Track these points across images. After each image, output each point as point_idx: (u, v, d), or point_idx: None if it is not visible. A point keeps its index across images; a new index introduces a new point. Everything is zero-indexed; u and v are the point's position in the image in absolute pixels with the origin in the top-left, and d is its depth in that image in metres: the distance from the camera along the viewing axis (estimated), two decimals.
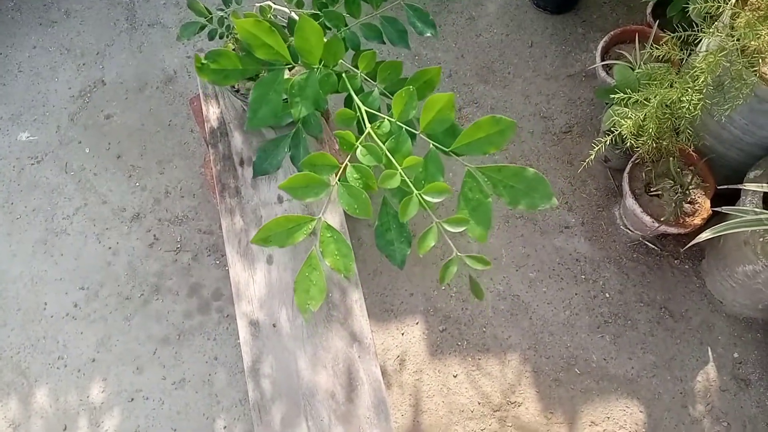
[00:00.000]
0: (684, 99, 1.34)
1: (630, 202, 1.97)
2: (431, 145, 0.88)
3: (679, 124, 1.46)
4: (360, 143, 0.84)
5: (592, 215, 2.21)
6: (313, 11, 1.26)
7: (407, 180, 0.82)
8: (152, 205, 2.23)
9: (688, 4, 2.13)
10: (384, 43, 1.20)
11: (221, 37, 1.47)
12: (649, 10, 2.29)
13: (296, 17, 1.24)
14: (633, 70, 2.00)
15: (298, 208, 1.81)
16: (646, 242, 2.17)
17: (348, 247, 0.79)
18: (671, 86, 1.41)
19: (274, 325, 1.69)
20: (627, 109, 1.49)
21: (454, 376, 2.02)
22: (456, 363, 2.04)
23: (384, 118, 0.89)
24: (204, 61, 0.89)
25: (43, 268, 2.13)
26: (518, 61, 2.47)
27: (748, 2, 1.82)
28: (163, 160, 2.29)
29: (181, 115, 2.35)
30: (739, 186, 1.78)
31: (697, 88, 1.33)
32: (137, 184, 2.26)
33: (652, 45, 2.12)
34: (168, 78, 2.41)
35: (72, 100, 2.38)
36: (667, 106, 1.41)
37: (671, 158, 1.79)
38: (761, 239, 1.74)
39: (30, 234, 2.18)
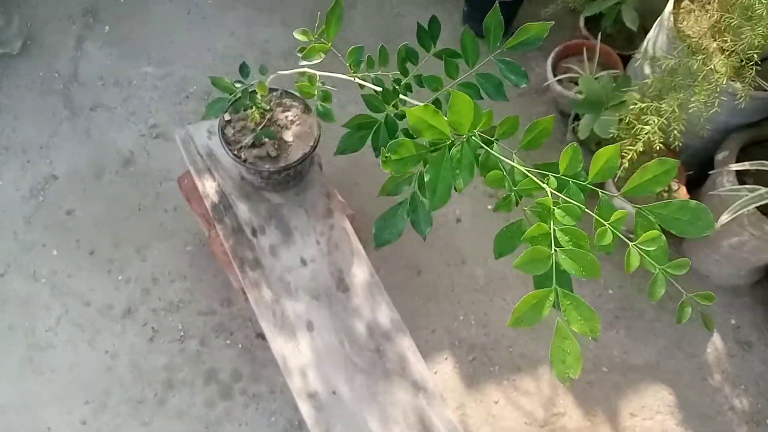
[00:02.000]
0: (699, 99, 1.48)
1: (619, 203, 2.10)
2: (600, 194, 0.91)
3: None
4: (557, 206, 0.86)
5: None
6: (391, 75, 1.25)
7: (618, 234, 0.84)
8: (141, 296, 2.07)
9: (620, 13, 2.36)
10: (482, 98, 1.22)
11: (245, 110, 1.42)
12: (582, 24, 2.48)
13: (374, 87, 1.22)
14: (596, 79, 2.16)
15: (325, 267, 1.76)
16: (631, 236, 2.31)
17: (590, 310, 0.80)
18: (691, 89, 1.54)
19: (333, 392, 1.62)
20: (648, 115, 1.61)
21: (495, 402, 2.03)
22: (493, 389, 2.05)
23: (549, 174, 0.91)
24: (387, 154, 0.87)
25: (36, 390, 1.90)
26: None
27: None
28: (142, 247, 2.14)
29: (150, 196, 2.22)
30: (727, 169, 1.95)
31: (710, 87, 1.47)
32: (119, 277, 2.09)
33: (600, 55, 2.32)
34: (125, 160, 2.27)
35: (24, 201, 2.17)
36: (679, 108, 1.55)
37: (654, 155, 1.94)
38: (746, 212, 1.91)
39: (11, 356, 1.94)
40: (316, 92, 1.25)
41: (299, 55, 1.30)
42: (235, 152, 1.67)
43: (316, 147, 1.69)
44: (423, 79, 1.22)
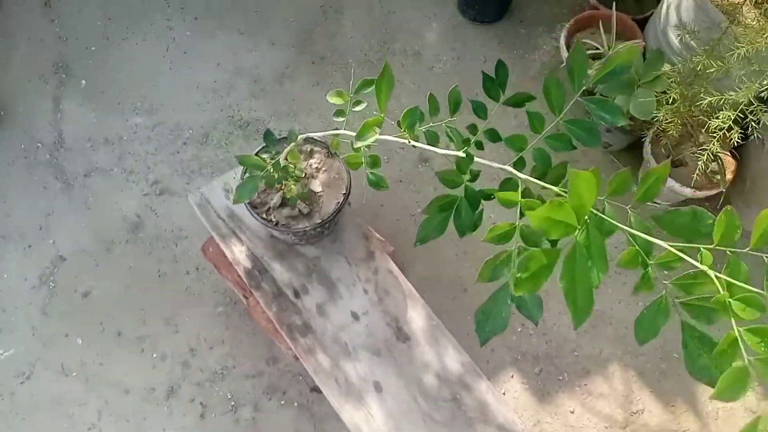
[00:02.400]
0: None
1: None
2: (766, 260, 0.78)
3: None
4: (734, 298, 0.73)
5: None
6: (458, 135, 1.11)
7: None
8: (182, 371, 1.93)
9: None
10: (575, 148, 1.08)
11: (279, 182, 1.26)
12: None
13: (443, 152, 1.07)
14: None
15: (380, 318, 1.63)
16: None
17: None
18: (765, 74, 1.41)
19: None
20: (724, 110, 1.47)
21: (571, 412, 1.94)
22: (566, 398, 1.95)
23: (700, 247, 0.78)
24: (518, 275, 0.73)
25: None
26: (478, 80, 2.41)
27: None
28: (171, 317, 2.00)
29: (167, 261, 2.07)
30: None
31: None
32: (154, 355, 1.95)
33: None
34: (134, 226, 2.11)
35: (34, 292, 2.01)
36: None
37: (702, 129, 1.82)
38: None
39: None
40: (363, 160, 1.10)
41: (337, 119, 1.15)
42: (264, 215, 1.53)
43: (349, 194, 1.55)
44: (505, 140, 1.08)
